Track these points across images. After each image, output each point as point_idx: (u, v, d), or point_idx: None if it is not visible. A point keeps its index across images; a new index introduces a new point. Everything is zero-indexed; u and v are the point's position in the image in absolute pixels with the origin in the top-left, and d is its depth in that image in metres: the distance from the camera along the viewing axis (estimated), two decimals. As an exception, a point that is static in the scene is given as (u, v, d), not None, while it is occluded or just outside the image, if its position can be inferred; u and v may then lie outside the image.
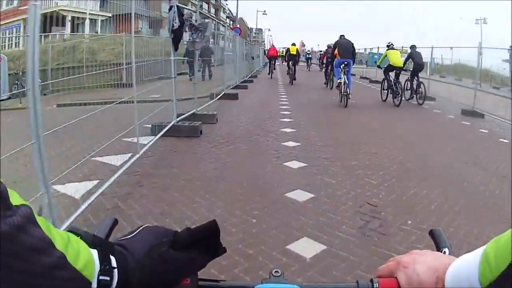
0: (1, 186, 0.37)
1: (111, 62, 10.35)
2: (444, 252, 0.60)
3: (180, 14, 5.54)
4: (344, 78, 9.78)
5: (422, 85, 11.12)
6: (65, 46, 11.89)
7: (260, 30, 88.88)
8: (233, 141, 6.00)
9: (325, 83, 15.83)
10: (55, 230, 0.43)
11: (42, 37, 11.78)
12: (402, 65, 11.12)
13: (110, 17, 17.37)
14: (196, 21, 6.78)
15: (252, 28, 72.13)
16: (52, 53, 10.57)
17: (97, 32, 17.48)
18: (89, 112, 3.83)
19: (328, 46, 16.70)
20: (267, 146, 5.77)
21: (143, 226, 0.54)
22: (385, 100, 11.45)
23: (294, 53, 16.94)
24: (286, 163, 4.81)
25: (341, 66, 10.01)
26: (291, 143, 5.90)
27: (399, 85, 10.94)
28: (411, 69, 11.63)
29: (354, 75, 19.91)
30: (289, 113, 8.88)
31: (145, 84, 7.99)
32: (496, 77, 18.28)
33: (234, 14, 73.46)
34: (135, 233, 0.53)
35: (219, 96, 10.41)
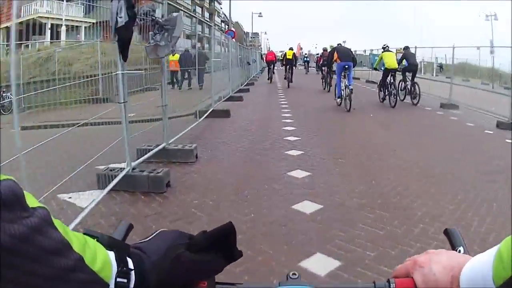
0: (17, 188, 0.37)
1: (85, 74, 9.35)
2: (459, 251, 0.60)
3: (130, 5, 3.54)
4: (345, 82, 9.63)
5: (416, 85, 11.04)
6: (39, 56, 10.97)
7: (256, 34, 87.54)
8: (216, 201, 3.73)
9: (323, 88, 15.67)
10: (72, 232, 0.43)
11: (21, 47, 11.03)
12: (397, 66, 11.04)
13: (94, 23, 16.59)
14: (162, 16, 4.81)
15: (248, 32, 70.05)
16: (26, 64, 9.69)
17: (79, 41, 16.53)
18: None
19: (324, 49, 17.65)
20: (273, 217, 3.35)
21: (159, 230, 0.54)
22: (383, 101, 11.38)
23: (291, 57, 17.87)
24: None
25: (343, 71, 9.83)
26: (307, 203, 3.61)
27: (394, 87, 10.86)
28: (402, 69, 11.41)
29: (359, 79, 19.65)
30: (297, 138, 6.54)
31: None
32: (504, 76, 17.30)
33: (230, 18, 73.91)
34: (151, 237, 0.53)
35: (205, 115, 8.20)
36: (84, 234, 0.46)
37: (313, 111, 10.04)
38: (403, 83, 11.51)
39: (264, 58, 26.08)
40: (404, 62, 11.32)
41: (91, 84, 7.96)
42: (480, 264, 0.48)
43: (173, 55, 11.63)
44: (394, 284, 0.56)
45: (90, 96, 7.39)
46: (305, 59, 33.20)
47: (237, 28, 73.98)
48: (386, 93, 11.06)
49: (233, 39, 16.46)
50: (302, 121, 8.28)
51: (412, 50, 12.30)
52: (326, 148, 5.90)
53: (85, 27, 18.13)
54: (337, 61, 10.04)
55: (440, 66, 21.74)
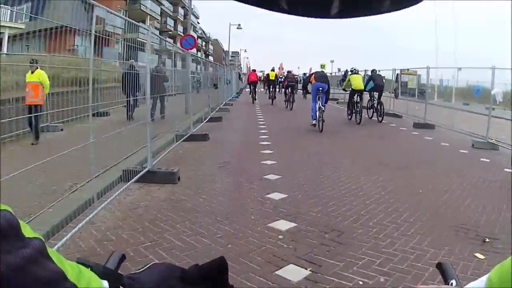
0: (13, 218, 0.37)
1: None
2: (451, 284, 0.60)
3: None
4: (319, 104, 10.07)
5: (381, 105, 12.39)
6: None
7: (237, 53, 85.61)
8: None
9: (286, 107, 16.80)
10: (66, 261, 0.42)
11: None
12: (363, 88, 12.18)
13: (22, 29, 13.49)
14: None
15: (228, 51, 66.37)
16: None
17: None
18: None
19: (288, 71, 18.69)
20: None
21: (151, 263, 0.54)
22: (350, 119, 12.47)
23: (273, 78, 19.98)
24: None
25: (317, 93, 10.21)
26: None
27: (360, 106, 11.99)
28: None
29: (337, 100, 20.38)
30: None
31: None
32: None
33: (208, 34, 71.45)
34: (143, 269, 0.53)
35: (135, 179, 5.01)
36: (78, 263, 0.46)
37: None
38: (370, 102, 12.79)
39: (245, 79, 26.12)
40: (371, 83, 12.48)
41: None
42: None
43: (32, 71, 7.26)
44: None
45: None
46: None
47: (216, 46, 72.59)
48: (353, 112, 12.23)
49: (192, 50, 13.30)
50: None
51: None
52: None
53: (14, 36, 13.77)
54: (312, 82, 10.61)
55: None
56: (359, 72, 12.84)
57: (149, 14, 36.74)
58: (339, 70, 18.83)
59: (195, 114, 10.23)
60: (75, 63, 9.32)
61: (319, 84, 10.28)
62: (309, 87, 11.02)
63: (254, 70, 22.03)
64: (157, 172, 5.20)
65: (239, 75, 36.35)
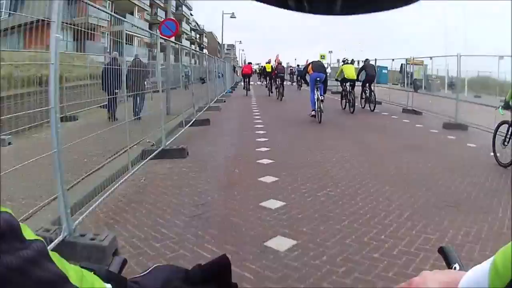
0: (14, 220, 0.37)
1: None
2: (455, 268, 0.60)
3: None
4: (317, 94, 10.00)
5: (373, 93, 12.72)
6: None
7: (232, 46, 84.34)
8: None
9: (269, 94, 19.07)
10: (69, 265, 0.41)
11: None
12: (356, 77, 12.48)
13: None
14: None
15: (224, 44, 63.68)
16: None
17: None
18: None
19: (279, 63, 19.30)
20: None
21: (154, 266, 0.54)
22: (344, 108, 12.78)
23: (270, 70, 20.27)
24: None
25: (316, 83, 10.12)
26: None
27: (353, 95, 12.32)
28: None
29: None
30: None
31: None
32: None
33: (202, 27, 70.73)
34: (146, 272, 0.53)
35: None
36: (81, 267, 0.45)
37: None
38: (363, 92, 13.14)
39: (240, 72, 26.35)
40: (363, 72, 12.87)
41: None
42: (476, 278, 0.48)
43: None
44: None
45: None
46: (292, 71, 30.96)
47: (211, 40, 71.82)
48: (346, 101, 12.58)
49: (173, 37, 10.99)
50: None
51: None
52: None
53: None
54: (309, 72, 10.48)
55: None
56: (351, 62, 13.21)
57: (137, 5, 35.17)
58: (338, 61, 18.82)
59: (176, 117, 8.84)
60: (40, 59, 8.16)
61: (316, 74, 10.18)
62: (307, 77, 10.83)
63: (250, 63, 23.00)
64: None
65: (234, 68, 34.92)
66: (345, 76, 12.36)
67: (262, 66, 26.01)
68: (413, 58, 15.50)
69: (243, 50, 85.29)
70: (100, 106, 8.00)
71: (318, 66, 10.50)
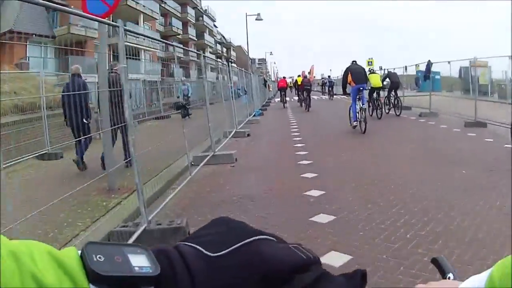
0: None
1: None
2: (449, 278, 0.59)
3: None
4: (360, 104, 9.78)
5: (398, 99, 13.81)
6: None
7: (263, 60, 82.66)
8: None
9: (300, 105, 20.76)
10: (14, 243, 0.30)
11: None
12: (381, 85, 13.49)
13: None
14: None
15: (255, 59, 62.55)
16: None
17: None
18: None
19: (304, 76, 21.49)
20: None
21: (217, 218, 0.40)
22: (371, 115, 13.54)
23: (300, 82, 21.34)
24: None
25: (357, 94, 9.88)
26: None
27: (379, 102, 13.41)
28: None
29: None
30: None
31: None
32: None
33: (229, 40, 63.01)
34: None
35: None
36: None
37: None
38: (387, 99, 14.12)
39: (272, 86, 28.06)
40: (388, 80, 13.91)
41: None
42: (473, 286, 0.47)
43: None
44: None
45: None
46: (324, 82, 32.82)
47: (240, 53, 70.14)
48: (374, 108, 13.50)
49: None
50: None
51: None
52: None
53: None
54: (351, 84, 10.12)
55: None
56: (376, 72, 14.25)
57: (142, 12, 28.28)
58: (380, 68, 18.80)
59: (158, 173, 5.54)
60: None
61: (359, 86, 9.91)
62: (348, 88, 10.28)
63: (284, 77, 24.73)
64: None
65: (265, 81, 31.21)
66: (372, 85, 13.16)
67: (294, 80, 27.99)
68: (476, 59, 12.52)
69: (275, 63, 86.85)
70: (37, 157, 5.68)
71: (359, 76, 9.99)
